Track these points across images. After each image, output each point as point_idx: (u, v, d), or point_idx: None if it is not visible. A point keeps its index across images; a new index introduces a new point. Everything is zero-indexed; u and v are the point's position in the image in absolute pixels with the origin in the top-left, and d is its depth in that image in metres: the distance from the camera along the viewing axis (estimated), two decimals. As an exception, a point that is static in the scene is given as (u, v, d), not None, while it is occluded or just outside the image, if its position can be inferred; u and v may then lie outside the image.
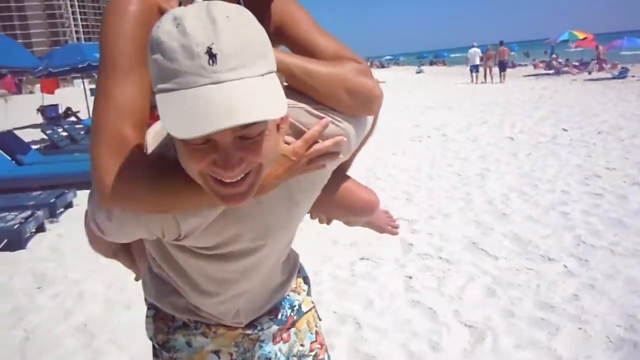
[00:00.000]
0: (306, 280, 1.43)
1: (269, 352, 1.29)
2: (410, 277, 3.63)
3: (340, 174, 1.23)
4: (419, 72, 39.69)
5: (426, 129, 10.07)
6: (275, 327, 1.29)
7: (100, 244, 1.21)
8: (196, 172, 0.79)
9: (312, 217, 1.35)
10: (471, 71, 23.89)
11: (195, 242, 1.00)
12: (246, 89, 0.70)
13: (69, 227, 5.34)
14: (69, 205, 6.05)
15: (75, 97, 24.69)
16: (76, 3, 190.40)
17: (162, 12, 0.91)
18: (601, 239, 4.04)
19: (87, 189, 6.15)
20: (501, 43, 24.24)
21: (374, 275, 3.70)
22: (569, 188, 5.40)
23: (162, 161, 0.86)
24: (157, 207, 0.89)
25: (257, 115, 0.70)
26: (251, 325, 1.25)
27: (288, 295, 1.34)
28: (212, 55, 0.69)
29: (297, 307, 1.36)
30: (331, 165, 1.01)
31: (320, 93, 0.95)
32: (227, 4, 0.74)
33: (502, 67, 23.14)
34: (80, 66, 11.87)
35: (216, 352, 1.24)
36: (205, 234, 0.98)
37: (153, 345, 1.27)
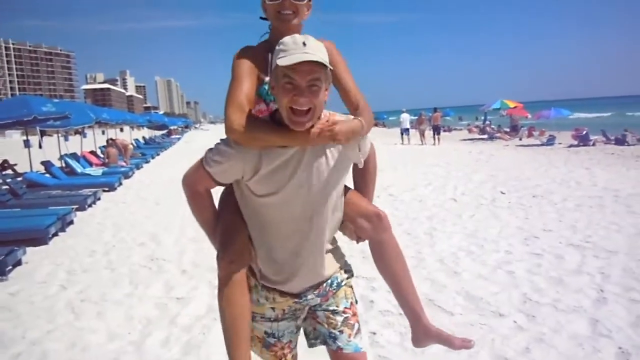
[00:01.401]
0: (347, 270, 2.03)
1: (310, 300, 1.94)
2: (374, 333, 3.80)
3: (359, 191, 2.04)
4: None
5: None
6: (317, 299, 1.94)
7: (203, 208, 1.90)
8: (284, 103, 1.59)
9: (343, 231, 2.02)
10: (401, 133, 26.40)
11: (260, 182, 1.73)
12: (318, 57, 1.56)
13: (22, 285, 5.20)
14: (18, 262, 5.88)
15: (9, 149, 23.87)
16: (12, 54, 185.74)
17: (260, 78, 1.82)
18: (545, 296, 4.37)
19: (35, 246, 6.01)
20: (435, 109, 26.96)
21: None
22: (512, 248, 5.79)
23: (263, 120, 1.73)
24: (260, 140, 1.67)
25: (321, 58, 1.56)
26: (299, 296, 1.90)
27: (330, 278, 1.94)
28: (304, 45, 1.57)
29: (336, 284, 1.96)
30: (350, 152, 1.82)
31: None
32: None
33: (437, 130, 25.48)
34: (25, 119, 11.64)
35: (272, 308, 1.93)
36: (271, 176, 1.71)
37: None
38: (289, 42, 1.59)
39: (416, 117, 27.78)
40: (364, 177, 2.07)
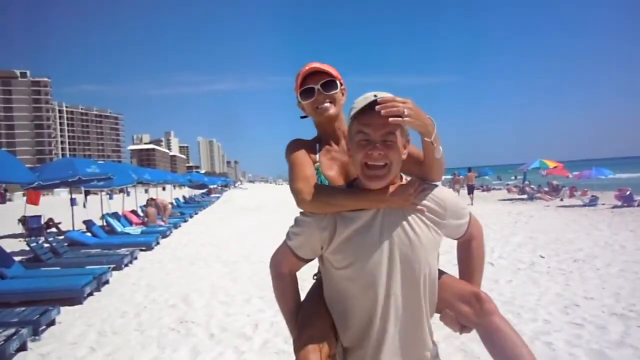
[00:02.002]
0: None
1: None
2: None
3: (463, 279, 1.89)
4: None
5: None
6: None
7: (286, 293, 1.87)
8: (358, 159, 1.59)
9: (442, 321, 1.85)
10: None
11: (338, 251, 1.67)
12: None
13: (53, 346, 5.24)
14: (52, 322, 5.96)
15: (55, 207, 24.72)
16: (65, 117, 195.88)
17: (313, 159, 1.88)
18: (585, 370, 4.13)
19: (70, 305, 6.12)
20: (469, 169, 27.39)
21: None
22: (551, 317, 5.53)
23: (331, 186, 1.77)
24: (332, 204, 1.67)
25: (392, 98, 1.54)
26: None
27: None
28: (375, 96, 1.55)
29: None
30: (439, 227, 1.72)
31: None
32: None
33: (471, 190, 25.87)
34: (70, 180, 12.16)
35: None
36: (347, 243, 1.65)
37: None
38: (360, 98, 1.61)
39: (451, 177, 28.13)
40: (466, 257, 1.89)
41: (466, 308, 1.74)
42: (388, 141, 1.57)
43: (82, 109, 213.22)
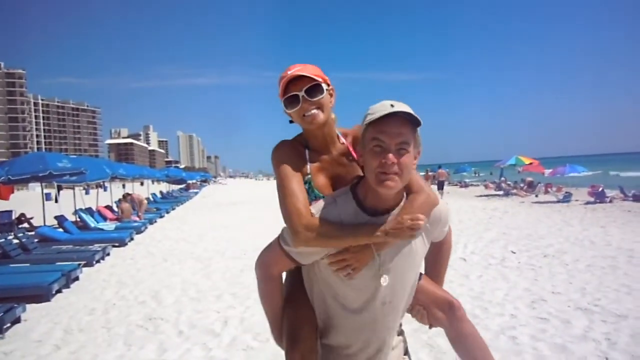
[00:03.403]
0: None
1: None
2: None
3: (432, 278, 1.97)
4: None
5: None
6: None
7: (273, 293, 1.85)
8: (373, 168, 1.56)
9: (412, 314, 1.96)
10: None
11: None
12: (408, 110, 1.56)
13: (16, 345, 5.15)
14: (17, 320, 5.86)
15: (29, 202, 24.30)
16: (41, 110, 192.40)
17: (304, 172, 1.79)
18: (547, 364, 4.19)
19: (37, 303, 6.02)
20: (439, 167, 29.73)
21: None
22: (517, 312, 5.60)
23: (326, 220, 1.63)
24: (332, 243, 1.61)
25: (408, 111, 1.55)
26: None
27: None
28: (392, 106, 1.55)
29: None
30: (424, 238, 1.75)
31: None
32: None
33: (441, 186, 27.35)
34: (41, 174, 11.94)
35: None
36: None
37: None
38: (376, 105, 1.59)
39: (423, 174, 29.60)
40: (437, 259, 2.00)
41: (440, 314, 1.90)
42: (402, 150, 1.56)
43: (58, 101, 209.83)
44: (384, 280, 1.67)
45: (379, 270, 1.66)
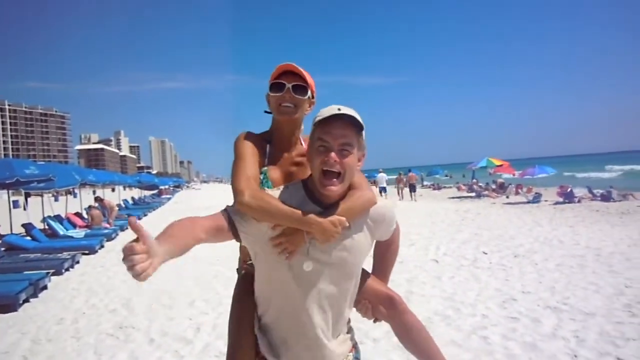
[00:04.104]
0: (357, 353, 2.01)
1: None
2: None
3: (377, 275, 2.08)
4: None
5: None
6: None
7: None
8: (316, 165, 1.65)
9: (357, 309, 2.03)
10: (380, 192, 28.96)
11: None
12: (353, 114, 1.66)
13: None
14: (-18, 331, 5.69)
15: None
16: (7, 115, 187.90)
17: (260, 165, 1.89)
18: (518, 363, 4.25)
19: (3, 313, 5.85)
20: (409, 170, 31.49)
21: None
22: (489, 312, 5.68)
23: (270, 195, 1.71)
24: (271, 216, 1.66)
25: (352, 114, 1.66)
26: None
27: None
28: (339, 110, 1.65)
29: None
30: (381, 229, 1.87)
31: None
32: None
33: (413, 188, 28.98)
34: (7, 182, 11.64)
35: None
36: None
37: None
38: (325, 109, 1.70)
39: (395, 177, 31.45)
40: (383, 257, 2.10)
41: (382, 308, 2.01)
42: (345, 150, 1.66)
43: (25, 107, 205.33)
44: (307, 266, 1.72)
45: (306, 255, 1.71)
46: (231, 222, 1.70)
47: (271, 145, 1.99)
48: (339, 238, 1.70)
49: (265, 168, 1.92)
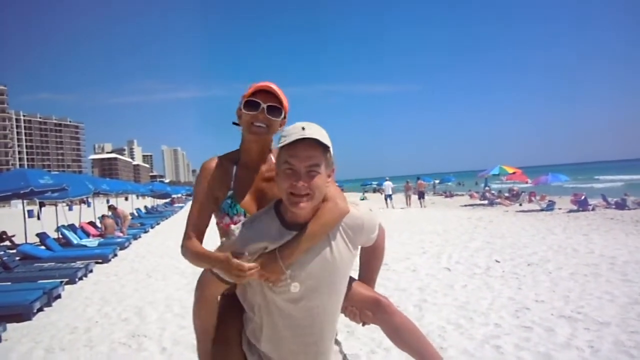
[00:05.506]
0: None
1: None
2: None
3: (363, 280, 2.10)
4: (362, 199, 41.53)
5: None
6: None
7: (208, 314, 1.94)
8: (284, 188, 1.65)
9: (344, 314, 2.05)
10: (385, 199, 29.90)
11: None
12: (318, 136, 1.64)
13: (-5, 366, 5.05)
14: (-4, 340, 5.74)
15: (10, 219, 23.96)
16: (23, 126, 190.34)
17: (225, 190, 1.95)
18: (531, 373, 4.20)
19: (18, 322, 5.91)
20: (418, 178, 32.09)
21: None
22: (502, 321, 5.62)
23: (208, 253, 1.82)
24: (197, 264, 1.85)
25: (320, 137, 1.64)
26: None
27: None
28: (303, 129, 1.63)
29: None
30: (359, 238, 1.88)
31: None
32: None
33: (421, 195, 29.62)
34: (22, 191, 11.79)
35: None
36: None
37: None
38: (289, 128, 1.68)
39: (403, 185, 32.17)
40: (369, 262, 2.13)
41: (369, 312, 2.05)
42: (312, 172, 1.65)
43: (40, 117, 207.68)
44: (294, 287, 1.74)
45: (288, 279, 1.73)
46: (216, 274, 1.80)
47: (239, 164, 2.00)
48: (318, 253, 1.74)
49: (231, 192, 1.94)
